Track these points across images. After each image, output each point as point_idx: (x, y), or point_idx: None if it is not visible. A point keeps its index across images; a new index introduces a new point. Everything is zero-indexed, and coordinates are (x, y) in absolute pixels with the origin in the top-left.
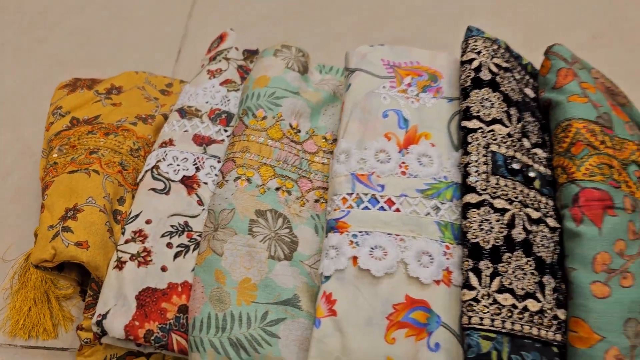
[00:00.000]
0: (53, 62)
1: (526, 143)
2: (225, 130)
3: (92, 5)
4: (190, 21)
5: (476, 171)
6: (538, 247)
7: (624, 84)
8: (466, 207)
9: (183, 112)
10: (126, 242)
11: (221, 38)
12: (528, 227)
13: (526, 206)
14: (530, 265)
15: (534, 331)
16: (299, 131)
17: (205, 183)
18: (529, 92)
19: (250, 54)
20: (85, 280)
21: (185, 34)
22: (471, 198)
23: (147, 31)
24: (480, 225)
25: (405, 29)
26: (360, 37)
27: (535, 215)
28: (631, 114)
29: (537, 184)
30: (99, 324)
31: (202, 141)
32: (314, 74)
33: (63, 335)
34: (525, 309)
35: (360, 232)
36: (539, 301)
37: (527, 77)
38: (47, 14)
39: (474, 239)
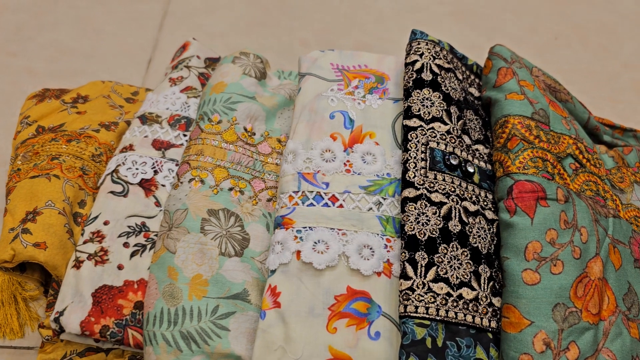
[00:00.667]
0: (26, 76)
1: (467, 140)
2: (185, 135)
3: (66, 20)
4: (161, 33)
5: (414, 167)
6: (474, 238)
7: (585, 83)
8: (404, 202)
9: (144, 119)
10: (84, 242)
11: (184, 47)
12: (465, 219)
13: (463, 199)
14: (466, 256)
15: (469, 318)
16: (254, 134)
17: (164, 185)
18: (473, 91)
19: (212, 62)
20: (50, 282)
21: (156, 45)
22: (409, 192)
23: (119, 43)
24: (417, 218)
25: (370, 35)
26: (325, 44)
27: (472, 208)
28: (573, 110)
29: (476, 178)
30: (56, 320)
31: (160, 145)
32: (272, 79)
33: (29, 334)
34: (460, 297)
35: (304, 227)
36: (473, 289)
37: (472, 76)
38: (21, 30)
39: (411, 231)
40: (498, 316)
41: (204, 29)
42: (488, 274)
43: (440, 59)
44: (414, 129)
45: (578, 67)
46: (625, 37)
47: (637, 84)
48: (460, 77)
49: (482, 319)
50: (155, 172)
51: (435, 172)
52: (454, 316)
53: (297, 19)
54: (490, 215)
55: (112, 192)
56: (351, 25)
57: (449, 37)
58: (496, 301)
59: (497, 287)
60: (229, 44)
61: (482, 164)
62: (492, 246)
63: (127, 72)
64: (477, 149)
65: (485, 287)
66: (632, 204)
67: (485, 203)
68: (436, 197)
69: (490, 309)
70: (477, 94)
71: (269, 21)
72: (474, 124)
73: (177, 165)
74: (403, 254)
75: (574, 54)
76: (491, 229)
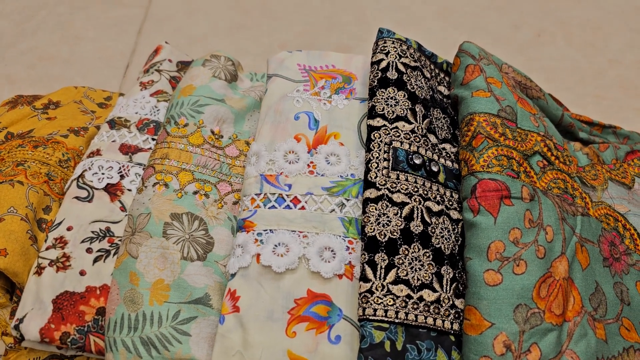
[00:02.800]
0: (4, 82)
1: (432, 139)
2: (153, 139)
3: (46, 27)
4: (140, 37)
5: (377, 167)
6: (437, 238)
7: (569, 80)
8: (365, 202)
9: (112, 123)
10: (47, 248)
11: (156, 51)
12: (427, 219)
13: (427, 199)
14: (428, 257)
15: (430, 321)
16: (222, 137)
17: (130, 190)
18: (442, 89)
19: (185, 65)
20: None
21: (134, 50)
22: (370, 193)
23: (98, 49)
24: (377, 219)
25: (351, 36)
26: (306, 45)
27: (436, 208)
28: (545, 107)
29: (441, 177)
30: (16, 328)
31: (128, 150)
32: (244, 81)
33: None
34: (420, 299)
35: (265, 230)
36: (435, 291)
37: (441, 75)
38: (0, 38)
39: (371, 232)
40: (461, 318)
41: (184, 33)
42: (451, 275)
43: (407, 57)
44: (378, 128)
45: (562, 64)
46: (611, 33)
47: (623, 80)
48: (428, 76)
49: (443, 321)
50: (122, 177)
51: (398, 172)
52: (414, 319)
53: (277, 21)
54: (455, 215)
55: (77, 198)
56: (332, 26)
57: (431, 37)
58: (459, 303)
59: (461, 288)
60: (209, 47)
61: (449, 163)
62: (457, 247)
63: (105, 78)
64: (443, 148)
65: (448, 289)
66: (603, 202)
67: (450, 203)
68: (398, 198)
69: (452, 311)
70: (446, 92)
71: (249, 23)
72: (441, 122)
73: (143, 169)
74: (363, 255)
75: (558, 51)
76: (456, 229)
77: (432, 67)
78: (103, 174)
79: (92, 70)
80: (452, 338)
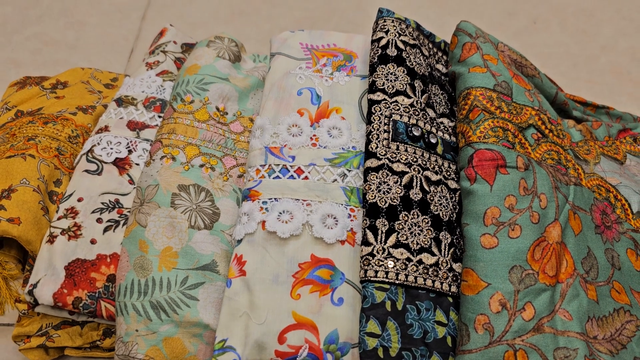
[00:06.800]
0: (11, 66)
1: (431, 113)
2: (160, 117)
3: (50, 13)
4: (144, 23)
5: (377, 138)
6: (435, 206)
7: (563, 66)
8: (367, 171)
9: (120, 101)
10: (59, 218)
11: (161, 33)
12: (426, 187)
13: (425, 169)
14: (427, 223)
15: (429, 282)
16: (226, 113)
17: (137, 164)
18: (440, 67)
19: (189, 47)
20: (27, 259)
21: (139, 35)
22: (371, 163)
23: (102, 34)
24: (378, 187)
25: (351, 22)
26: None
27: (434, 177)
28: (540, 85)
29: (439, 149)
30: (30, 293)
31: (135, 126)
32: (247, 62)
33: (9, 312)
34: (419, 262)
35: (270, 199)
36: (434, 255)
37: (439, 53)
38: (5, 24)
39: (372, 199)
40: (458, 281)
41: (186, 19)
42: (449, 241)
43: (406, 35)
44: (378, 102)
45: (556, 50)
46: (604, 20)
47: (614, 66)
48: (427, 54)
49: (442, 283)
50: (130, 152)
51: (398, 143)
52: (414, 280)
53: (278, 7)
54: (453, 184)
55: (86, 171)
56: (332, 12)
57: (427, 23)
58: (457, 267)
59: (459, 253)
60: (210, 32)
61: (447, 136)
62: (455, 214)
63: (110, 62)
64: (441, 122)
65: (446, 253)
66: (595, 174)
67: (448, 173)
68: (398, 167)
69: (450, 274)
70: (444, 70)
71: (250, 9)
72: (439, 98)
73: (151, 144)
74: (364, 221)
75: (552, 37)
76: (453, 198)
77: (431, 45)
78: (112, 148)
79: (97, 55)
80: (450, 299)
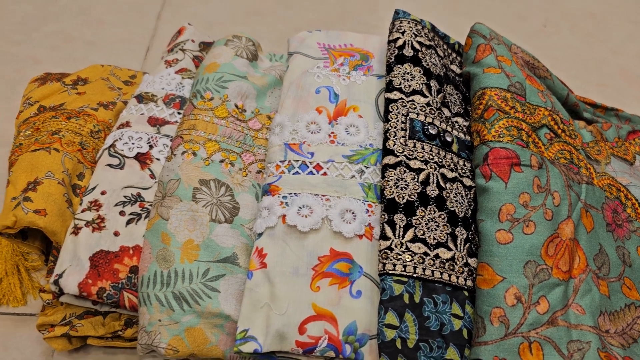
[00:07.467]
0: (31, 63)
1: (446, 112)
2: (179, 113)
3: (68, 12)
4: (159, 22)
5: (394, 136)
6: (451, 202)
7: (573, 69)
8: (384, 168)
9: (140, 98)
10: (82, 211)
11: (179, 32)
12: (442, 184)
13: (441, 166)
14: (443, 218)
15: (445, 276)
16: (245, 110)
17: (158, 159)
18: (455, 68)
19: (206, 46)
20: (50, 250)
21: (154, 34)
22: (389, 160)
23: (119, 32)
24: (396, 183)
25: (364, 24)
26: None
27: (450, 174)
28: (552, 86)
29: (454, 147)
30: (56, 283)
31: (156, 122)
32: (264, 61)
33: (31, 302)
34: (436, 256)
35: (290, 193)
36: (450, 250)
37: (453, 54)
38: (25, 22)
39: (390, 195)
40: (474, 276)
41: (201, 18)
42: (464, 236)
43: (422, 36)
44: (395, 101)
45: (567, 53)
46: (614, 24)
47: (624, 69)
48: (442, 54)
49: (458, 277)
50: (151, 147)
51: (415, 140)
52: (431, 274)
53: (292, 9)
54: (468, 182)
55: (109, 165)
56: (345, 14)
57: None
58: (472, 262)
59: (474, 248)
60: (226, 32)
61: (461, 135)
62: (470, 210)
63: (127, 60)
64: (456, 121)
65: (462, 248)
66: (606, 173)
67: (463, 171)
68: (415, 164)
69: (466, 269)
70: (458, 70)
71: (265, 10)
72: (454, 98)
73: (171, 140)
74: (382, 216)
75: (563, 40)
76: (469, 195)
77: (445, 47)
78: (133, 143)
79: (114, 53)
80: (466, 293)
